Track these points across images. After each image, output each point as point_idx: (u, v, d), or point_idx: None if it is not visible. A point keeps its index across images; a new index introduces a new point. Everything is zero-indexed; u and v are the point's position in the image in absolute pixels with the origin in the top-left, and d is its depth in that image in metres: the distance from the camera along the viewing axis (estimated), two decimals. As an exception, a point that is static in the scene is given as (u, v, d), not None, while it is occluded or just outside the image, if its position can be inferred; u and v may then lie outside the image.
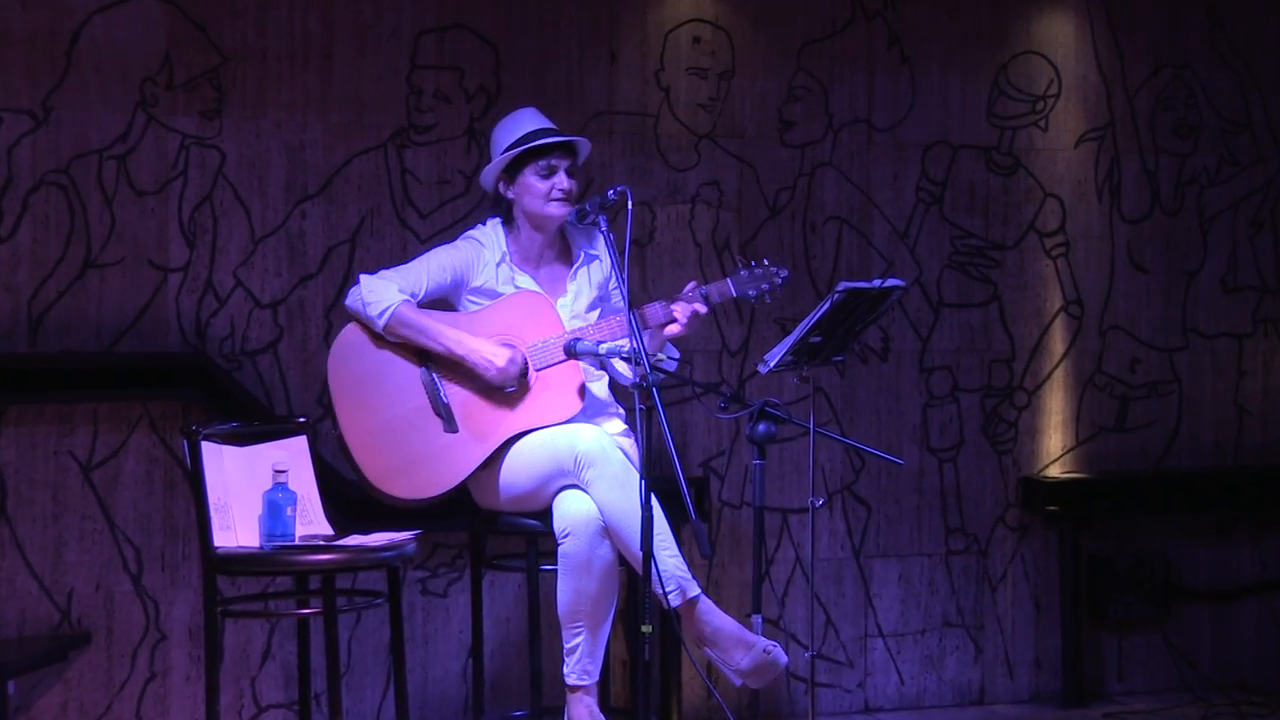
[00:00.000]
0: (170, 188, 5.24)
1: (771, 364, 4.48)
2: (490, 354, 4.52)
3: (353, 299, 4.56)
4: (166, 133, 5.23)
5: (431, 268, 4.62)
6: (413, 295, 4.57)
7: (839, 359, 4.60)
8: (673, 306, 4.57)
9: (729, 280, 4.65)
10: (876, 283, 4.45)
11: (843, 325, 4.46)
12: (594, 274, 4.72)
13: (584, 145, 4.69)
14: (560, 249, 4.74)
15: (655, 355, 4.56)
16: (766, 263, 4.66)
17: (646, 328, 4.61)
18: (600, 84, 5.63)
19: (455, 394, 4.55)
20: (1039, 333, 6.11)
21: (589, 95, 5.58)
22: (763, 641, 4.33)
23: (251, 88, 5.30)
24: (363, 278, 4.55)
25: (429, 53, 5.46)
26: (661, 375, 4.29)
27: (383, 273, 4.59)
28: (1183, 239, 6.24)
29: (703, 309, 4.59)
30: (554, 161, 4.61)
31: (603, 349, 4.42)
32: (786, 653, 4.65)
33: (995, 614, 6.05)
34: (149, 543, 5.23)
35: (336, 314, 5.32)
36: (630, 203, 4.41)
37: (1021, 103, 6.08)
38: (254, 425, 4.82)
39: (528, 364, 4.56)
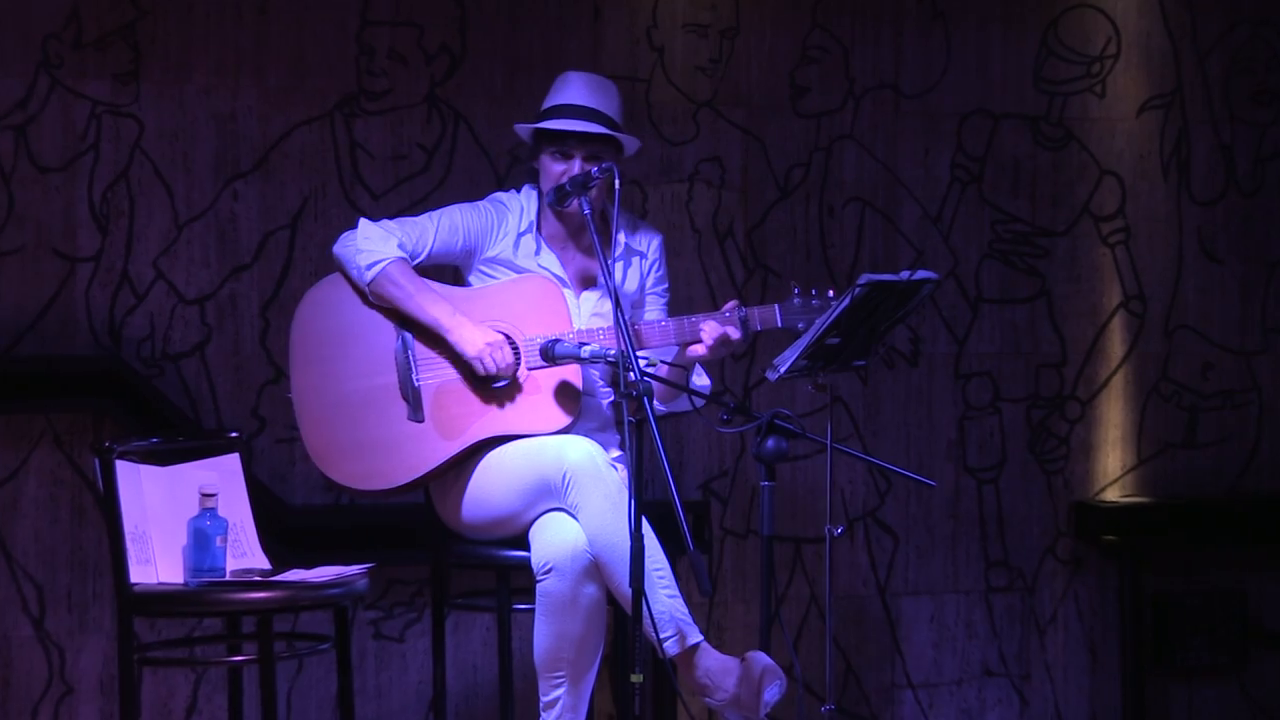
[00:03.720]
0: (79, 164, 5.26)
1: (782, 369, 4.50)
2: (474, 333, 4.55)
3: (342, 245, 4.61)
4: (74, 99, 5.25)
5: (441, 227, 4.66)
6: (413, 255, 4.61)
7: (861, 364, 4.63)
8: (702, 326, 4.59)
9: (776, 308, 4.65)
10: (904, 275, 4.47)
11: (865, 324, 4.49)
12: (632, 274, 4.75)
13: (629, 142, 4.71)
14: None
15: (648, 359, 4.58)
16: (830, 295, 4.65)
17: (668, 343, 4.63)
18: (582, 43, 5.65)
19: (430, 378, 4.58)
20: (1094, 333, 6.14)
21: (569, 56, 5.61)
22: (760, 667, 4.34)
23: (174, 47, 5.32)
24: (361, 222, 4.61)
25: (382, 7, 5.48)
26: (653, 383, 4.31)
27: (384, 222, 4.64)
28: (1263, 223, 6.28)
29: (736, 334, 4.58)
30: (570, 148, 4.64)
31: (585, 351, 4.45)
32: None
33: (1044, 661, 6.08)
34: (53, 579, 5.25)
35: (274, 311, 5.34)
36: (617, 182, 4.44)
37: (1074, 65, 6.12)
38: (177, 441, 4.83)
39: (520, 359, 4.58)
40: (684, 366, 4.63)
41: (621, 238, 4.73)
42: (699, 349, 4.60)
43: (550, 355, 4.49)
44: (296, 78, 5.41)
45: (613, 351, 4.37)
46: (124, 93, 5.27)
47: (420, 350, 4.60)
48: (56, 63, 5.22)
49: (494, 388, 4.60)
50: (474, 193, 4.92)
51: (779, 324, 4.64)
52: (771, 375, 4.52)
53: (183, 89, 5.31)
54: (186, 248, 5.33)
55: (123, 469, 4.50)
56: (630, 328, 4.41)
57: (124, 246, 5.28)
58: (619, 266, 4.71)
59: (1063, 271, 6.10)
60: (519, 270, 4.68)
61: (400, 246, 4.59)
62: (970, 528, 6.01)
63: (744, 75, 5.80)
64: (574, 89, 4.70)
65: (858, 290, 4.36)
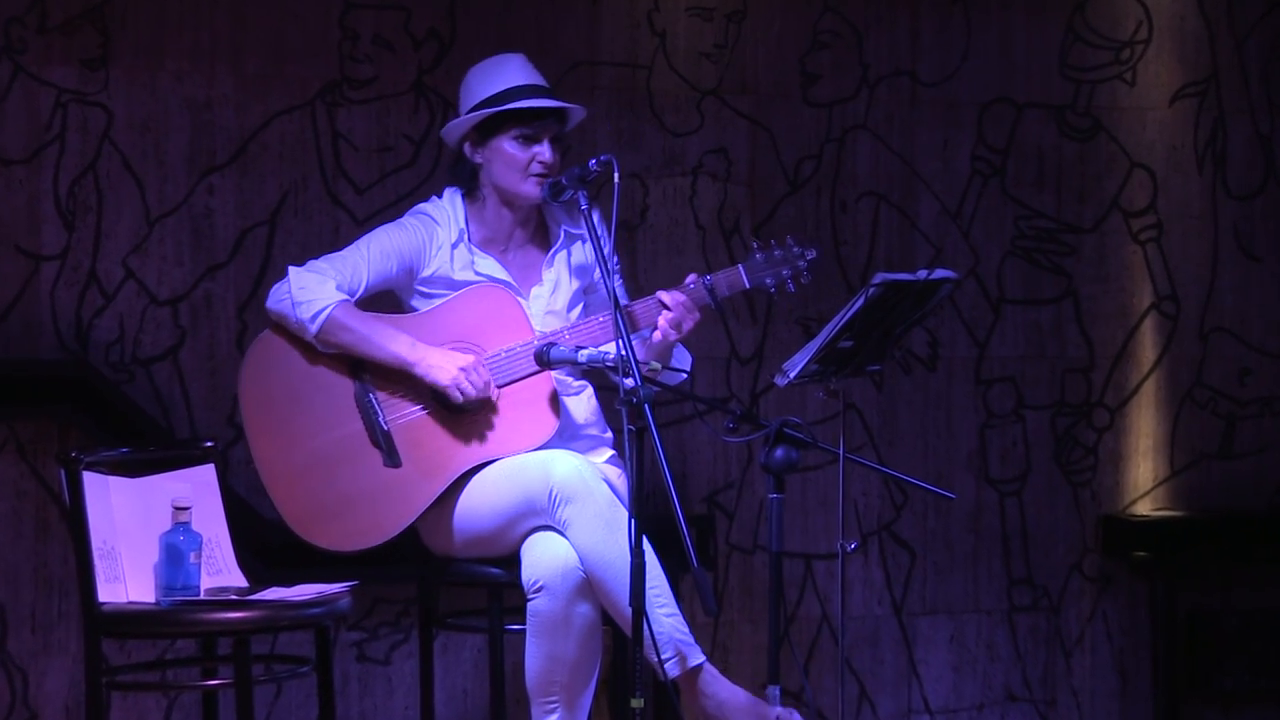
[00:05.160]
0: (43, 155, 5.26)
1: (792, 375, 4.51)
2: (442, 361, 4.53)
3: (277, 299, 4.56)
4: (38, 87, 5.26)
5: (373, 255, 4.63)
6: (351, 292, 4.58)
7: (875, 368, 4.64)
8: (660, 316, 4.58)
9: (740, 268, 4.66)
10: (922, 274, 4.48)
11: (880, 327, 4.50)
12: (576, 260, 4.75)
13: (576, 113, 4.72)
14: (535, 228, 4.76)
15: (649, 364, 4.58)
16: (790, 242, 4.68)
17: (636, 330, 4.62)
18: (579, 27, 5.66)
19: (398, 418, 4.57)
20: (1124, 336, 6.15)
21: (564, 41, 5.62)
22: (775, 710, 4.36)
23: (145, 30, 5.32)
24: (291, 271, 4.56)
25: (366, -12, 5.51)
26: (656, 390, 4.32)
27: (313, 264, 4.59)
28: (1303, 219, 6.30)
29: (690, 319, 4.58)
30: (540, 129, 4.64)
31: (582, 356, 4.45)
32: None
33: (1070, 685, 6.08)
34: (15, 598, 5.25)
35: (251, 312, 5.35)
36: (617, 175, 4.43)
37: (1103, 50, 6.12)
38: (149, 451, 4.83)
39: (489, 381, 4.57)
40: (663, 364, 4.61)
41: (562, 230, 4.74)
42: (655, 334, 4.58)
43: (545, 360, 4.48)
44: (276, 64, 5.42)
45: (611, 355, 4.37)
46: (92, 80, 5.28)
47: (382, 390, 4.58)
48: (20, 48, 5.22)
49: (466, 414, 4.58)
50: (464, 187, 4.93)
51: (746, 284, 4.64)
52: (780, 381, 4.53)
53: (154, 76, 5.32)
54: (158, 245, 5.34)
55: (90, 480, 4.50)
56: (623, 319, 4.38)
57: (92, 244, 5.29)
58: (561, 256, 4.72)
59: (1090, 270, 6.11)
60: (459, 285, 4.64)
61: (338, 288, 4.56)
62: (992, 543, 6.02)
63: (751, 61, 5.81)
64: (517, 69, 4.67)
65: (872, 290, 4.37)
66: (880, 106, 5.91)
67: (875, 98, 5.91)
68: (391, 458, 4.54)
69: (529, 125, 4.63)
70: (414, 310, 4.67)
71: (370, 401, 4.56)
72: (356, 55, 5.47)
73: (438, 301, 4.65)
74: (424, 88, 5.51)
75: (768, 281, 4.65)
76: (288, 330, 4.56)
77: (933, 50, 5.96)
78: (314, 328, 4.52)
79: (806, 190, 5.86)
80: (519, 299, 4.65)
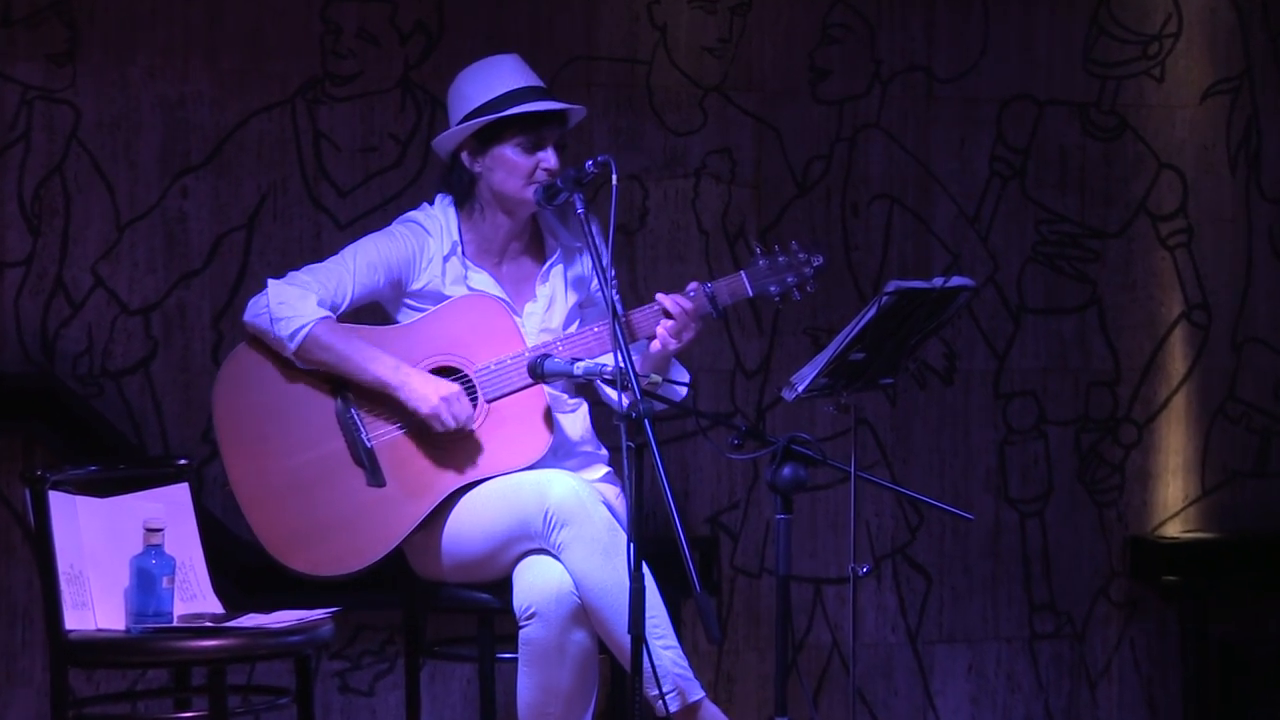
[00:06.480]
0: (7, 156, 5.26)
1: (800, 388, 4.50)
2: (425, 387, 4.50)
3: (256, 313, 4.54)
4: (2, 84, 5.25)
5: (359, 267, 4.61)
6: (334, 306, 4.56)
7: (888, 382, 4.63)
8: (662, 301, 4.57)
9: (743, 274, 4.65)
10: (938, 282, 4.47)
11: (893, 337, 4.50)
12: (573, 274, 4.74)
13: (577, 114, 4.70)
14: (531, 239, 4.75)
15: (649, 376, 4.57)
16: (795, 247, 4.67)
17: (635, 340, 4.61)
18: (575, 20, 5.66)
19: (382, 435, 4.55)
20: (1152, 347, 6.15)
21: (560, 35, 5.61)
22: None
23: (115, 24, 5.32)
24: (270, 284, 4.54)
25: (350, -21, 5.51)
26: (657, 405, 4.31)
27: (294, 276, 4.57)
28: (1341, 223, 6.30)
29: (691, 329, 4.57)
30: (544, 133, 4.62)
31: (578, 368, 4.43)
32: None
33: (1095, 718, 6.07)
34: (-21, 625, 5.27)
35: (227, 322, 5.35)
36: (615, 177, 4.43)
37: (1129, 45, 6.12)
38: (119, 469, 4.83)
39: (477, 395, 4.56)
40: (661, 375, 4.60)
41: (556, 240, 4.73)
42: (655, 344, 4.57)
43: (539, 372, 4.47)
44: (253, 60, 5.42)
45: (609, 367, 4.36)
46: (58, 76, 5.28)
47: (365, 406, 4.56)
48: (-17, 43, 5.24)
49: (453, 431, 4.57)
50: (453, 189, 4.92)
51: (749, 292, 4.63)
52: (788, 395, 4.52)
53: (125, 72, 5.32)
54: (129, 251, 5.34)
55: (56, 500, 4.49)
56: (621, 330, 4.37)
57: (58, 250, 5.28)
58: (557, 270, 4.71)
59: (1116, 277, 6.10)
60: (447, 299, 4.63)
61: (320, 303, 4.54)
62: (1012, 567, 6.01)
63: (757, 56, 5.81)
64: (513, 71, 4.65)
65: (885, 299, 4.36)
66: (894, 104, 5.91)
67: (888, 95, 5.90)
68: (375, 477, 4.53)
69: (533, 131, 4.61)
70: (398, 324, 4.67)
71: (352, 418, 4.55)
72: (339, 50, 5.47)
73: (426, 313, 4.63)
74: (410, 84, 5.51)
75: (772, 289, 4.64)
76: (265, 344, 4.55)
77: (949, 44, 5.96)
78: (293, 345, 4.50)
79: (816, 193, 5.85)
80: (508, 308, 4.64)
